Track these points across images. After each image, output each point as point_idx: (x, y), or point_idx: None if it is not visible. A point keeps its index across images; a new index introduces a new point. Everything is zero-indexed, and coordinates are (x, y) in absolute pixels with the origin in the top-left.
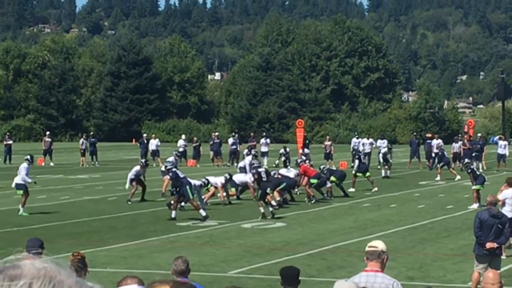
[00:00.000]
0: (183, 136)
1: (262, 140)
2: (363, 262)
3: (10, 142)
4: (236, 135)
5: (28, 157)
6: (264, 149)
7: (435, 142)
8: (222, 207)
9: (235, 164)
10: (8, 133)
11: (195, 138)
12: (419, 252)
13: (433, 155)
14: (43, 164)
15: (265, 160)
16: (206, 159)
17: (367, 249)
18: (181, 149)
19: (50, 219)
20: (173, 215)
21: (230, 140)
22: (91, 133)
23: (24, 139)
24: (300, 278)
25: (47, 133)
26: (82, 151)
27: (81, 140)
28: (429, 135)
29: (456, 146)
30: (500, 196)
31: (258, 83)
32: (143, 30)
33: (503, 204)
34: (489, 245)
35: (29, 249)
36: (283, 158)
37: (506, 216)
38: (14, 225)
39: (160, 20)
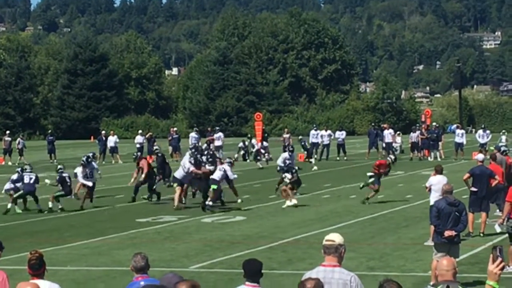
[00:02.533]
0: (140, 132)
1: (216, 135)
2: None
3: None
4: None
5: (84, 158)
6: (218, 143)
7: (386, 132)
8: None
9: None
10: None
11: (149, 133)
12: (379, 242)
13: (384, 145)
14: (3, 163)
15: (220, 154)
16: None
17: (324, 242)
18: (137, 146)
19: (8, 218)
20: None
21: (192, 134)
22: (49, 131)
23: None
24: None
25: (7, 132)
26: (18, 150)
27: (18, 139)
28: (385, 125)
29: (414, 136)
30: (427, 183)
31: (216, 78)
32: (99, 27)
33: (430, 190)
34: (447, 233)
35: None
36: (242, 152)
37: (463, 203)
38: None
39: (116, 16)
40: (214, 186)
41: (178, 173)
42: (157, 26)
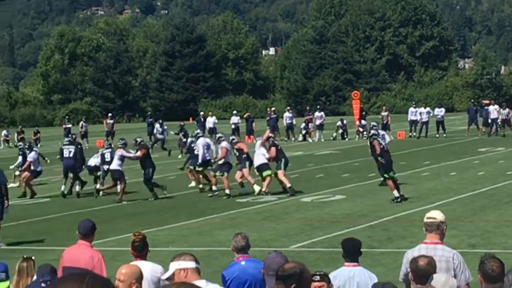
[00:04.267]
0: (235, 112)
1: (317, 113)
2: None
3: (69, 125)
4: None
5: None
6: (318, 122)
7: (491, 108)
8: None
9: (292, 139)
10: (67, 117)
11: (247, 114)
12: (480, 219)
13: (489, 121)
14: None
15: (318, 134)
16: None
17: (425, 220)
18: (233, 126)
19: (110, 201)
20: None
21: (286, 115)
22: (149, 113)
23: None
24: (361, 249)
25: (109, 114)
26: (82, 133)
27: (81, 122)
28: (486, 101)
29: None
30: None
31: (313, 57)
32: (195, 8)
33: None
34: None
35: (80, 231)
36: (340, 131)
37: None
38: (76, 208)
39: None
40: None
41: (259, 160)
42: (254, 6)
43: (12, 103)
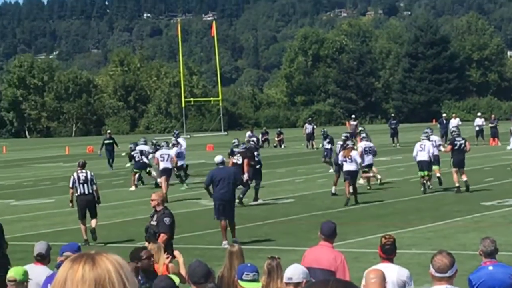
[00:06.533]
0: (479, 114)
1: None
2: None
3: (312, 126)
4: None
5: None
6: None
7: None
8: None
9: None
10: (309, 118)
11: (493, 116)
12: None
13: None
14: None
15: None
16: (505, 137)
17: None
18: (476, 128)
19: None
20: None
21: None
22: (392, 114)
23: (325, 123)
24: None
25: (352, 116)
26: (306, 135)
27: (305, 124)
28: None
29: None
30: None
31: None
32: (439, 9)
33: None
34: None
35: (323, 232)
36: None
37: None
38: (319, 209)
39: None
40: None
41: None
42: (499, 6)
43: (256, 105)
